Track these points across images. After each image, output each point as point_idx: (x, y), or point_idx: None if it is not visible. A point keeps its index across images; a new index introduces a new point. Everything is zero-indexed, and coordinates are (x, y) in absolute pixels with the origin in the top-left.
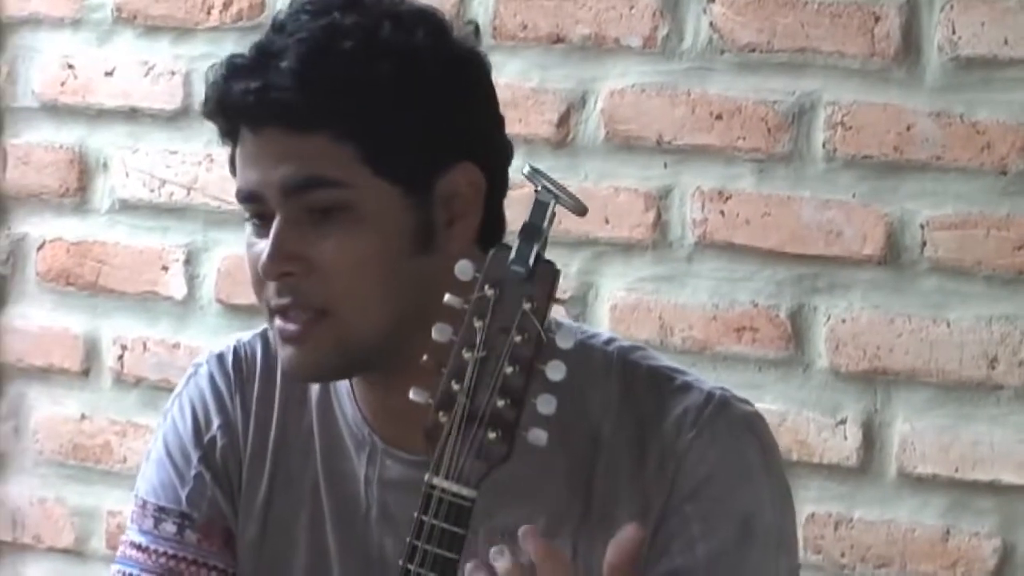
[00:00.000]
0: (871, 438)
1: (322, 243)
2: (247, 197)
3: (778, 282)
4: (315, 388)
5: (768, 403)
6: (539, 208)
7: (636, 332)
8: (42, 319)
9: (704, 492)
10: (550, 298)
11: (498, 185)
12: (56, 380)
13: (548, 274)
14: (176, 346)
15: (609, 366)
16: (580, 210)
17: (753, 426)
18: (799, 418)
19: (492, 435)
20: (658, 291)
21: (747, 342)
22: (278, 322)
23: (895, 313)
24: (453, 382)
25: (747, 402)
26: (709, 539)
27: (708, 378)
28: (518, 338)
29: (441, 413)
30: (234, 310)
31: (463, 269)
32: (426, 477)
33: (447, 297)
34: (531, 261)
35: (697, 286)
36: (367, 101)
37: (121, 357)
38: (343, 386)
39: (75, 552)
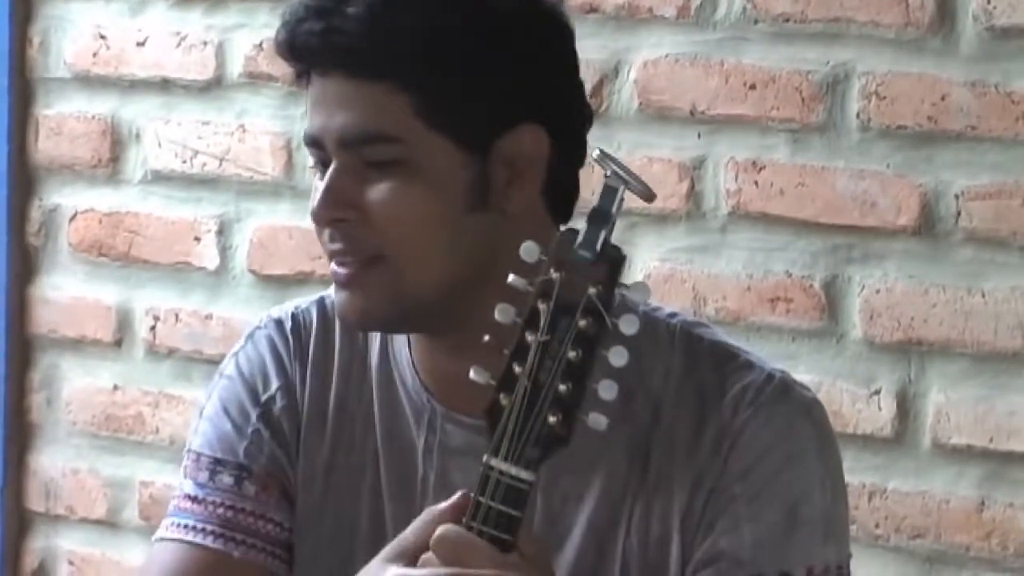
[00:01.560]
0: (905, 409)
1: (375, 192)
2: (311, 142)
3: (812, 253)
4: (375, 356)
5: (802, 374)
6: (608, 193)
7: (670, 302)
8: (75, 290)
9: (754, 473)
10: (615, 283)
11: (570, 151)
12: (89, 351)
13: (615, 259)
14: (208, 317)
15: (672, 338)
16: (649, 196)
17: (811, 412)
18: (833, 389)
19: (552, 419)
20: (692, 261)
21: (781, 313)
22: (333, 266)
23: (930, 284)
24: (515, 364)
25: (808, 388)
26: (755, 522)
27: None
28: (582, 322)
29: (502, 395)
30: (267, 280)
31: (529, 250)
32: (484, 458)
33: (511, 278)
34: (599, 246)
35: (731, 256)
36: (430, 52)
37: (153, 328)
38: (403, 353)
39: (108, 523)
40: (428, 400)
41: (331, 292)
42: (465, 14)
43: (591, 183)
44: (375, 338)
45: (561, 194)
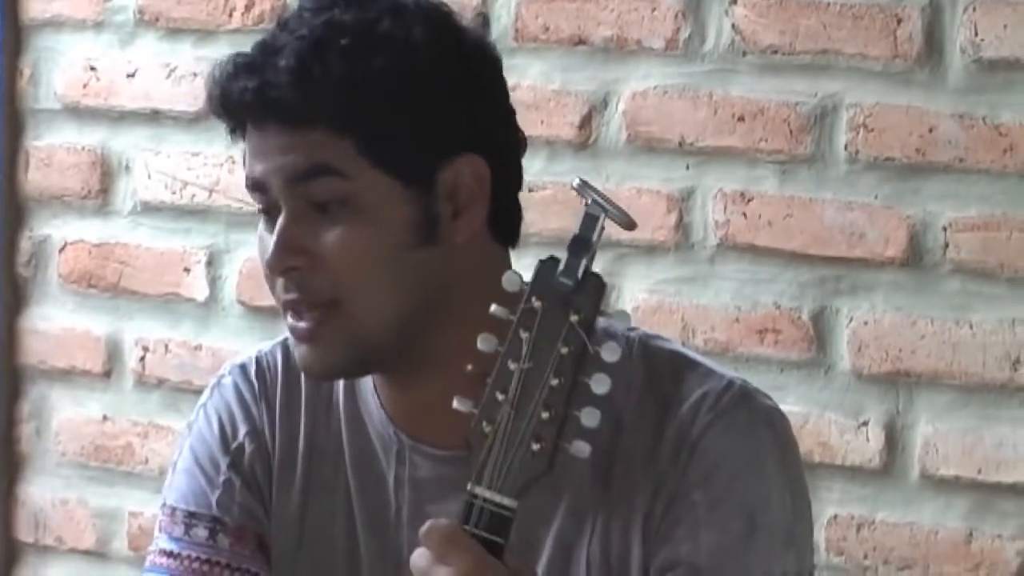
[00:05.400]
0: (894, 440)
1: (325, 237)
2: (254, 186)
3: (800, 284)
4: (340, 393)
5: (790, 405)
6: (589, 221)
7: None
8: (64, 321)
9: (713, 480)
10: (597, 311)
11: (509, 176)
12: (78, 381)
13: (596, 287)
14: (198, 348)
15: (631, 351)
16: (629, 224)
17: (772, 420)
18: (821, 420)
19: (535, 446)
20: (680, 293)
21: (769, 344)
22: (290, 320)
23: (918, 315)
24: (498, 392)
25: (768, 397)
26: (714, 529)
27: None
28: (564, 350)
29: (485, 423)
30: (256, 312)
31: (510, 280)
32: (468, 486)
33: (493, 307)
34: (580, 274)
35: (719, 288)
36: (362, 96)
37: (143, 358)
38: (367, 388)
39: (97, 553)
40: (395, 433)
41: None
42: (390, 55)
43: (570, 212)
44: None
45: (506, 219)
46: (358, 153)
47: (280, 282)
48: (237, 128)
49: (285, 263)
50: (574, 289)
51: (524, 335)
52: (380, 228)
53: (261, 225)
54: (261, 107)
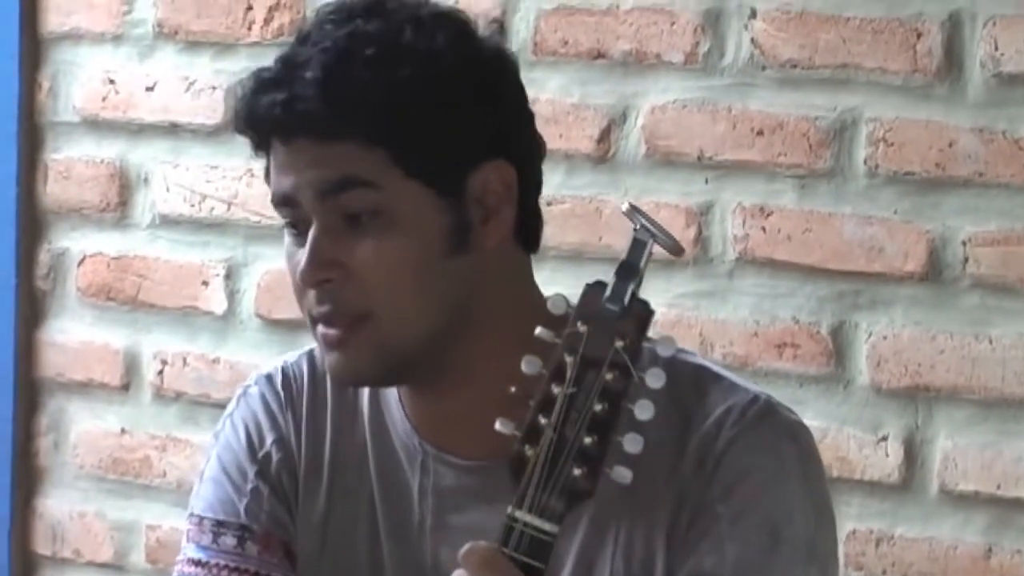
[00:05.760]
0: (913, 455)
1: (358, 248)
2: (282, 201)
3: (819, 298)
4: (365, 402)
5: (809, 419)
6: (637, 247)
7: None
8: (82, 334)
9: (737, 494)
10: (642, 337)
11: (531, 181)
12: (96, 395)
13: (642, 313)
14: (216, 361)
15: (655, 364)
16: (677, 250)
17: (796, 435)
18: (840, 435)
19: (577, 471)
20: (699, 307)
21: (788, 358)
22: (320, 328)
23: (937, 330)
24: (540, 416)
25: (792, 411)
26: (738, 542)
27: None
28: (608, 376)
29: (527, 446)
30: (274, 325)
31: (556, 304)
32: (508, 509)
33: (539, 330)
34: (626, 300)
35: (738, 302)
36: (391, 106)
37: (161, 372)
38: (392, 397)
39: (114, 566)
40: (419, 443)
41: None
42: (416, 64)
43: (588, 226)
44: None
45: (529, 226)
46: (390, 164)
47: (311, 295)
48: (262, 144)
49: (318, 276)
50: (620, 315)
51: (569, 359)
52: (414, 238)
53: (288, 240)
54: (290, 121)
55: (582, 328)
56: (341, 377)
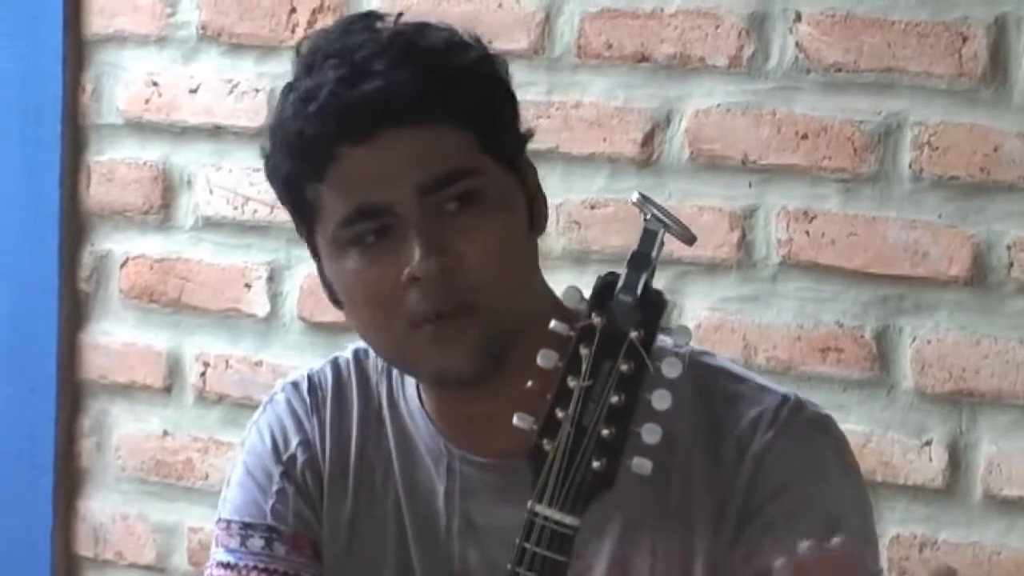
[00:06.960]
0: (957, 460)
1: (467, 235)
2: (369, 213)
3: (863, 303)
4: (389, 406)
5: (853, 424)
6: (648, 237)
7: (720, 352)
8: (125, 336)
9: (787, 494)
10: (657, 327)
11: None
12: (139, 397)
13: (656, 303)
14: (258, 363)
15: (671, 354)
16: (690, 239)
17: (828, 427)
18: (884, 439)
19: (596, 464)
20: (742, 311)
21: (832, 363)
22: (428, 327)
23: (981, 334)
24: (558, 409)
25: (817, 405)
26: (800, 536)
27: None
28: (624, 367)
29: (545, 440)
30: (316, 328)
31: (570, 296)
32: (528, 504)
33: (553, 323)
34: (639, 290)
35: (782, 306)
36: (475, 87)
37: (203, 374)
38: (413, 403)
39: (157, 569)
40: (444, 445)
41: (344, 353)
42: (475, 50)
43: (632, 229)
44: (387, 389)
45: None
46: (480, 148)
47: (414, 296)
48: (313, 173)
49: (440, 264)
50: (634, 305)
51: (584, 351)
52: (511, 218)
53: (356, 257)
54: (392, 105)
55: (596, 320)
56: (448, 374)
